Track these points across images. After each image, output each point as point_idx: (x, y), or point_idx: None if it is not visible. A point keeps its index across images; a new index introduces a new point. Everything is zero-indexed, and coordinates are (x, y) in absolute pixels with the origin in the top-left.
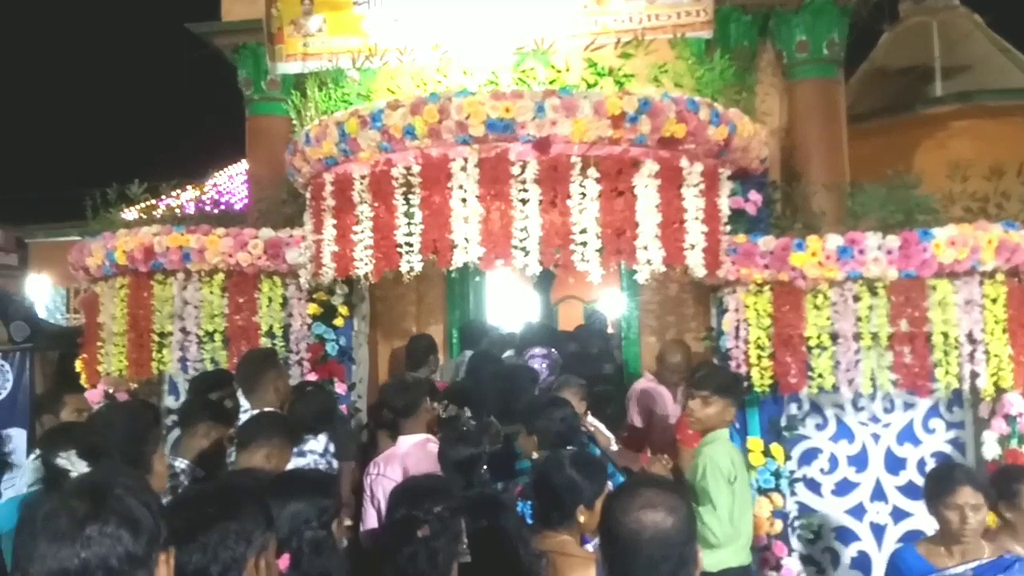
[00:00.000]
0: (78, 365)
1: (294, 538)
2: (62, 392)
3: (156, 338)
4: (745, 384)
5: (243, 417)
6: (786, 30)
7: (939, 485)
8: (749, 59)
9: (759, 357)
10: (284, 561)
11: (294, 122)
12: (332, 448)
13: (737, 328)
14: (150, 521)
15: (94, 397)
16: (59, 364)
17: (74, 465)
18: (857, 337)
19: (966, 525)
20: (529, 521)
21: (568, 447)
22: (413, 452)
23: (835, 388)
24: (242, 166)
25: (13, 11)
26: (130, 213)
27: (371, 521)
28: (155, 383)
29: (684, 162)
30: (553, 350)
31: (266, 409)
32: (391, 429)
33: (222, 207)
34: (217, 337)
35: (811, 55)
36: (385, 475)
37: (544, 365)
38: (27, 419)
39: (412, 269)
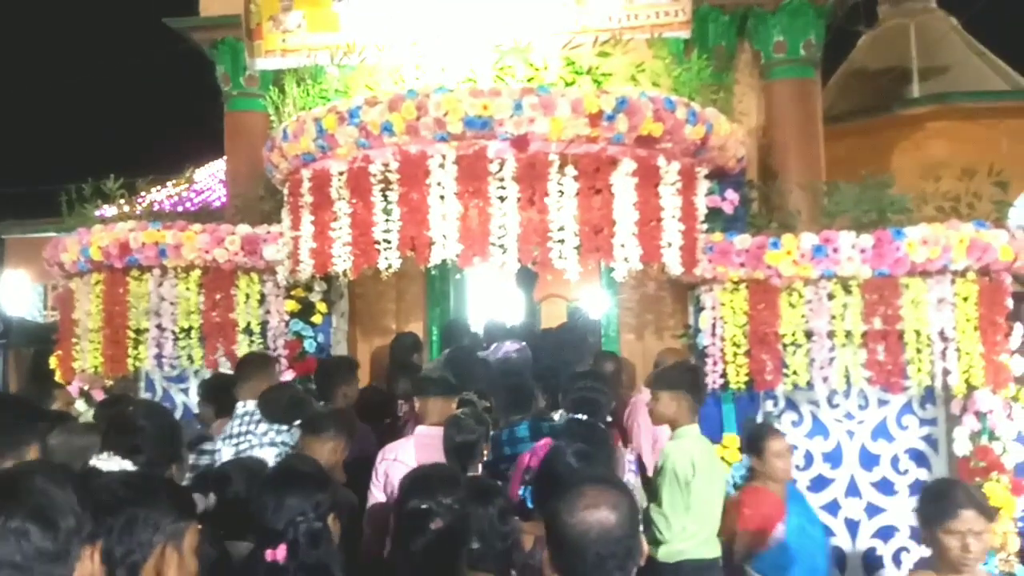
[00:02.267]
0: (53, 362)
1: (290, 529)
2: (50, 387)
3: (132, 335)
4: (718, 380)
5: None
6: (764, 30)
7: (938, 508)
8: (727, 59)
9: (735, 354)
10: (281, 552)
11: (272, 118)
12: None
13: (714, 326)
14: (68, 515)
15: (71, 394)
16: (33, 360)
17: (123, 467)
18: (831, 335)
19: (968, 553)
20: (530, 505)
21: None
22: (429, 441)
23: (810, 385)
24: (220, 163)
25: None
26: (108, 210)
27: (377, 499)
28: (130, 380)
29: (661, 161)
30: (524, 343)
31: None
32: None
33: (199, 204)
34: (193, 334)
35: (788, 55)
36: (400, 460)
37: (516, 357)
38: None
39: (390, 266)
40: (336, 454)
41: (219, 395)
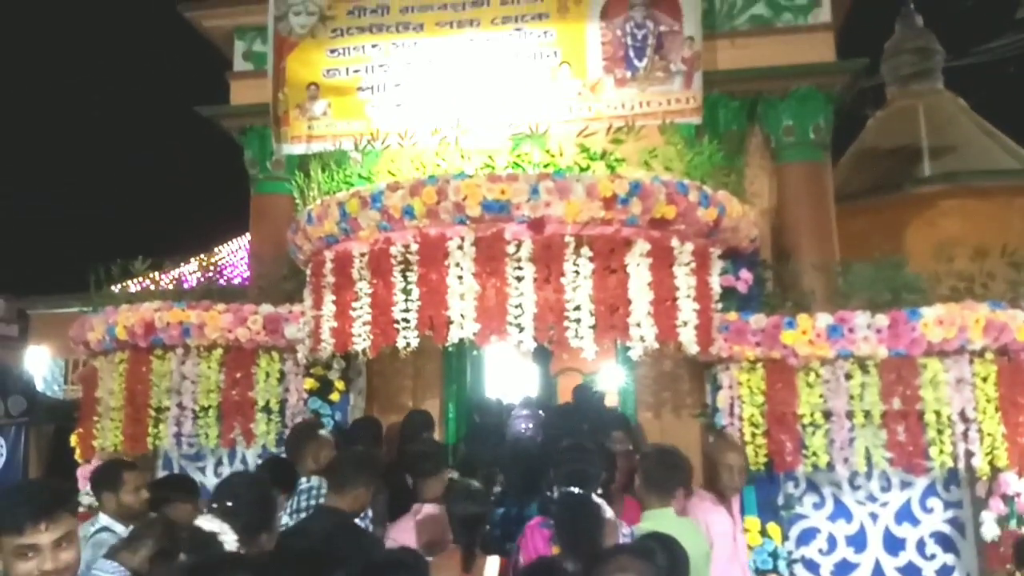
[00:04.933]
0: (73, 440)
1: None
2: (120, 469)
3: (152, 413)
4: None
5: None
6: (773, 115)
7: None
8: (738, 142)
9: (754, 435)
10: None
11: (297, 201)
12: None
13: (732, 405)
14: None
15: (86, 473)
16: (54, 438)
17: (222, 529)
18: (850, 415)
19: None
20: None
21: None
22: (427, 519)
23: (830, 467)
24: (243, 240)
25: (23, 84)
26: (133, 285)
27: None
28: (149, 458)
29: (675, 242)
30: (540, 411)
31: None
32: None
33: (223, 281)
34: (211, 412)
35: (798, 139)
36: (398, 541)
37: (529, 426)
38: None
39: (408, 345)
40: (359, 501)
41: (277, 471)
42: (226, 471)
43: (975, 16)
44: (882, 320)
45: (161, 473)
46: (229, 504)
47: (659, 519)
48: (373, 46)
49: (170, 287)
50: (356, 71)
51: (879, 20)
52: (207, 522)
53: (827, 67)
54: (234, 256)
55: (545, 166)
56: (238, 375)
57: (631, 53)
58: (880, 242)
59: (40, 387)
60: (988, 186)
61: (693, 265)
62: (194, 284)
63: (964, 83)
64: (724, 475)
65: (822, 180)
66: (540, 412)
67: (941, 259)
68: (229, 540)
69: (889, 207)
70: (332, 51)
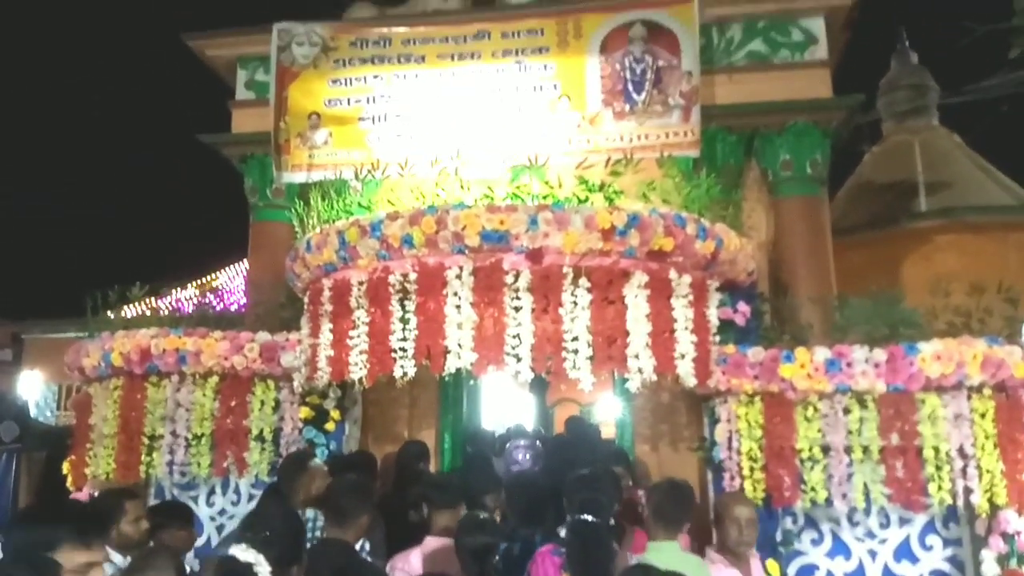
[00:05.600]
0: (65, 467)
1: None
2: (122, 498)
3: (146, 441)
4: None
5: None
6: (770, 150)
7: None
8: (735, 176)
9: (752, 469)
10: None
11: (296, 229)
12: None
13: (730, 439)
14: None
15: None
16: (46, 466)
17: (257, 560)
18: (849, 450)
19: None
20: None
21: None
22: (437, 552)
23: (829, 502)
24: (241, 267)
25: (27, 108)
26: (131, 310)
27: None
28: (141, 487)
29: (673, 274)
30: (537, 441)
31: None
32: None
33: (220, 307)
34: (205, 440)
35: (795, 173)
36: (405, 571)
37: (527, 456)
38: (5, 521)
39: (406, 374)
40: (361, 531)
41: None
42: (219, 501)
43: (969, 55)
44: (880, 355)
45: (153, 502)
46: (267, 534)
47: (665, 552)
48: (375, 77)
49: (168, 312)
50: (357, 101)
51: (875, 57)
52: (242, 552)
53: (823, 103)
54: (232, 283)
55: (544, 197)
56: (233, 403)
57: (630, 87)
58: (877, 276)
59: (33, 412)
60: (984, 221)
61: (691, 297)
62: (191, 310)
63: (958, 120)
64: (732, 531)
65: (819, 214)
66: (538, 443)
67: (938, 294)
68: (264, 571)
69: (886, 241)
70: (334, 81)
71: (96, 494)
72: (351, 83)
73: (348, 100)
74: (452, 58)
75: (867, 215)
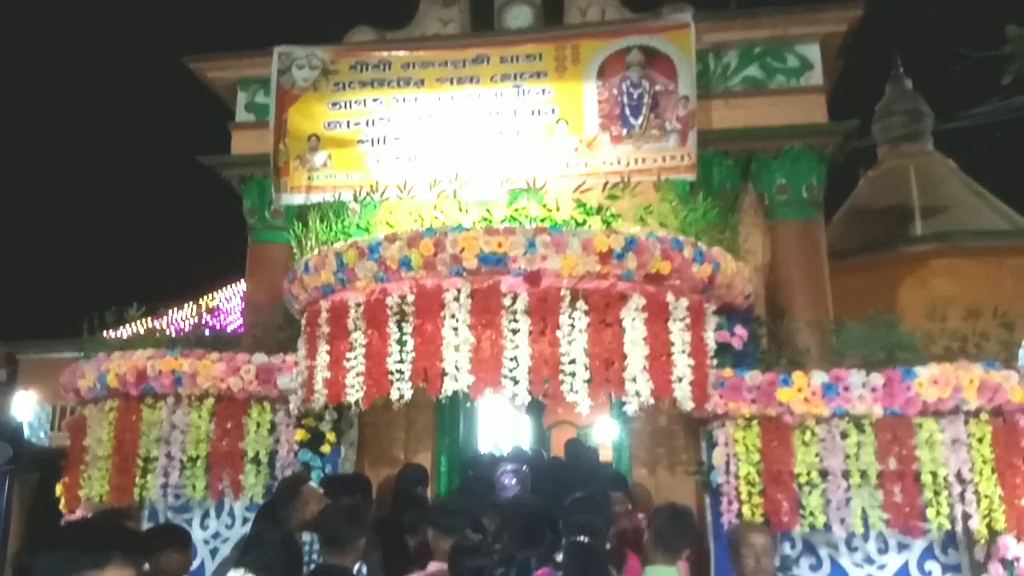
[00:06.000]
0: (58, 489)
1: None
2: (119, 520)
3: (140, 463)
4: (733, 520)
5: None
6: (767, 174)
7: None
8: (732, 200)
9: (750, 493)
10: None
11: (294, 251)
12: None
13: (727, 463)
14: None
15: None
16: (39, 488)
17: None
18: (846, 475)
19: None
20: None
21: None
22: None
23: (827, 527)
24: (239, 288)
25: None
26: (127, 331)
27: None
28: (135, 509)
29: (670, 297)
30: (524, 466)
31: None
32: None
33: (217, 328)
34: (200, 463)
35: (791, 197)
36: None
37: (514, 480)
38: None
39: (402, 396)
40: (358, 555)
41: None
42: (213, 523)
43: (963, 81)
44: (877, 379)
45: (147, 525)
46: (267, 559)
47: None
48: (374, 100)
49: (165, 333)
50: (357, 124)
51: (870, 82)
52: None
53: (819, 128)
54: (229, 304)
55: (542, 220)
56: (229, 425)
57: (627, 111)
58: (873, 300)
59: (26, 434)
60: (979, 246)
61: (688, 320)
62: (188, 330)
63: (953, 145)
64: (749, 560)
65: (815, 238)
66: (524, 468)
67: (934, 318)
68: None
69: (882, 266)
70: (334, 104)
71: (89, 515)
72: (351, 106)
73: (348, 123)
74: (451, 82)
75: (863, 239)
